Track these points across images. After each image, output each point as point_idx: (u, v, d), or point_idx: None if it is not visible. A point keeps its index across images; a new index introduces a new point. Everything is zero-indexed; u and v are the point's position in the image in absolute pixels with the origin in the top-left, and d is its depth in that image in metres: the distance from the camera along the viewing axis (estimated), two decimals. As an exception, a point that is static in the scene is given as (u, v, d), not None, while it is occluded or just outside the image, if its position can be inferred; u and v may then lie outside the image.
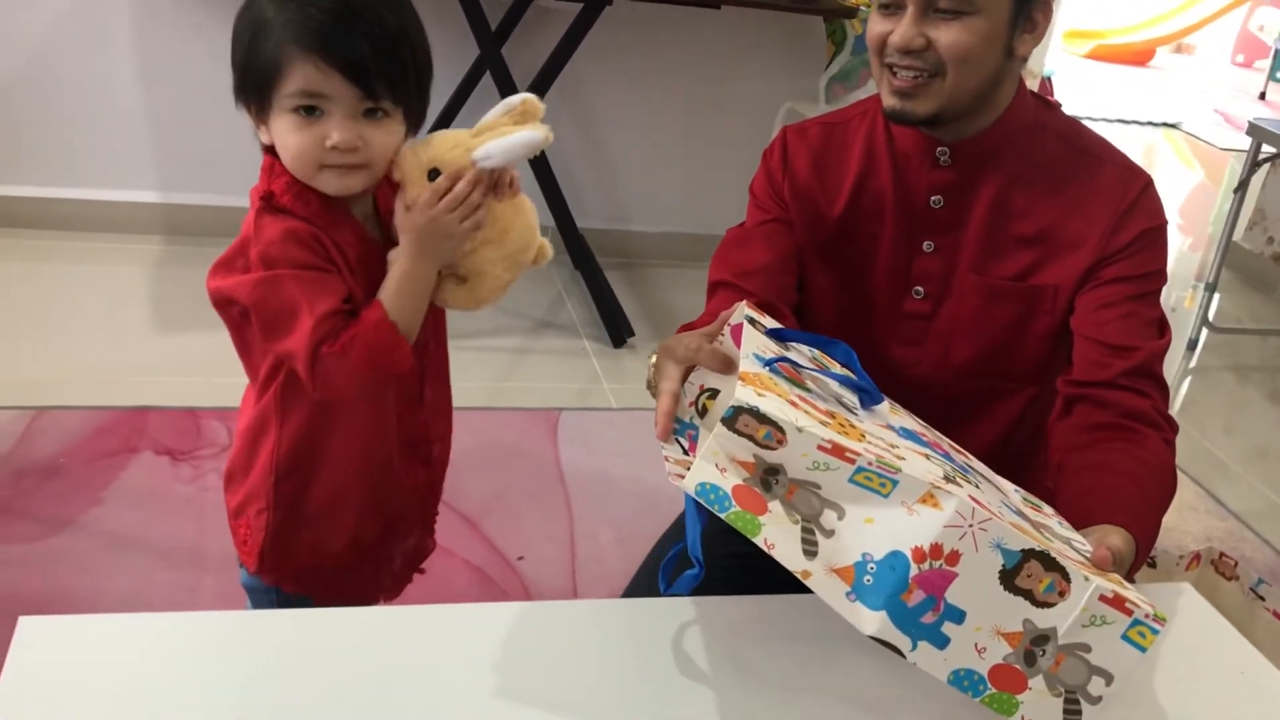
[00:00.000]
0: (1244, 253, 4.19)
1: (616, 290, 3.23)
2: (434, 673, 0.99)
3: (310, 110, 1.12)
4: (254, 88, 1.14)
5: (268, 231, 1.14)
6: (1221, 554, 1.92)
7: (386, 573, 1.38)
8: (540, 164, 3.10)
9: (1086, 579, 0.92)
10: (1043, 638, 0.92)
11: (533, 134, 1.15)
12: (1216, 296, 3.72)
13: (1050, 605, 0.92)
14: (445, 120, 3.29)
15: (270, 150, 1.18)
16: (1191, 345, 3.68)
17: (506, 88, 3.03)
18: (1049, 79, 6.54)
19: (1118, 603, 0.92)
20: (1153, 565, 1.88)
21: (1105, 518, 1.08)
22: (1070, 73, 7.52)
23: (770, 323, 1.16)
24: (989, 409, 1.40)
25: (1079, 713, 0.94)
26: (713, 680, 1.03)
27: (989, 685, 0.92)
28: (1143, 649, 0.92)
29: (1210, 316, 3.71)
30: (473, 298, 1.23)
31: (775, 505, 0.92)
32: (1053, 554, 0.92)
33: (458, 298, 1.22)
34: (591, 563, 2.21)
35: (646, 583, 1.42)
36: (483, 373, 2.86)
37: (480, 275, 1.21)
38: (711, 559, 1.35)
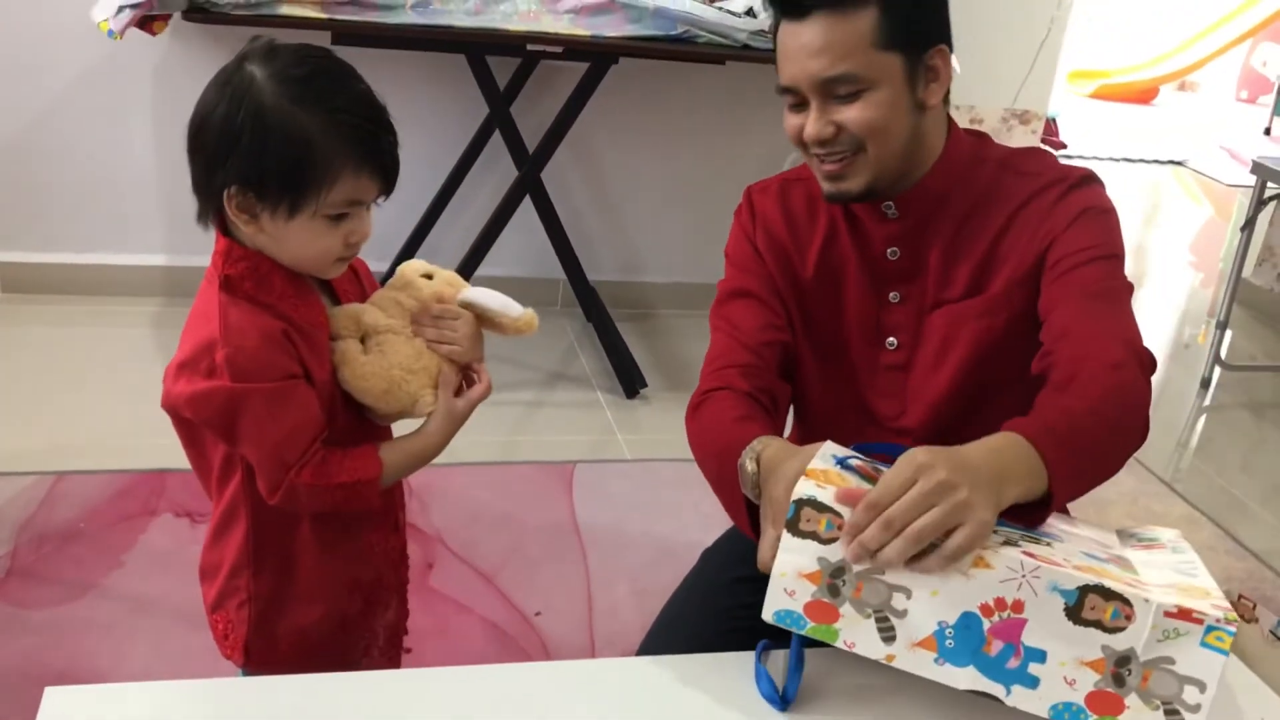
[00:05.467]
0: (1255, 289, 4.19)
1: (629, 341, 3.26)
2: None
3: (343, 215, 1.13)
4: (284, 194, 1.10)
5: (237, 331, 1.11)
6: (1241, 595, 1.91)
7: (374, 648, 1.37)
8: (550, 217, 3.13)
9: (1147, 600, 0.96)
10: (1124, 659, 0.97)
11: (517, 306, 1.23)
12: (1229, 334, 3.72)
13: (1120, 630, 0.97)
14: (459, 175, 3.34)
15: (226, 232, 1.15)
16: (1205, 383, 3.67)
17: (516, 145, 3.08)
18: (1054, 120, 6.55)
19: (1185, 615, 0.96)
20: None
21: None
22: (1074, 113, 7.55)
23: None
24: (979, 414, 1.32)
25: None
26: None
27: (1089, 713, 0.97)
28: (1224, 652, 0.96)
29: (1223, 354, 3.70)
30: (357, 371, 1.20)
31: (846, 608, 0.99)
32: (1108, 584, 0.96)
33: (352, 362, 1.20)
34: (608, 615, 2.21)
35: (662, 637, 1.42)
36: (496, 427, 2.88)
37: (381, 348, 1.21)
38: (721, 610, 1.35)
